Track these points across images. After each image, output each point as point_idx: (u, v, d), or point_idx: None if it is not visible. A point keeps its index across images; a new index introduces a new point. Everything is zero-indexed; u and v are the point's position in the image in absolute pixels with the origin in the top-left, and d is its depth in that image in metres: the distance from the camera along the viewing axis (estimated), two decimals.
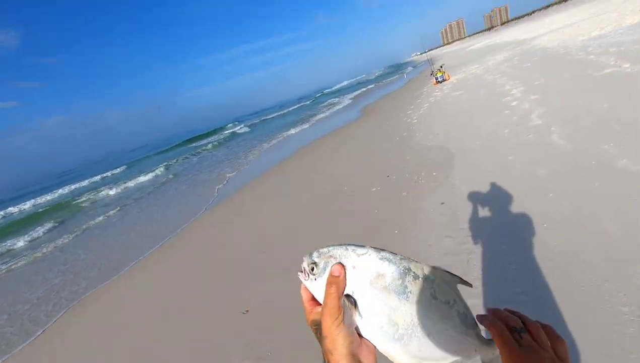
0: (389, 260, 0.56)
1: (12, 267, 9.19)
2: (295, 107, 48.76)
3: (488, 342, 0.58)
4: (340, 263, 0.57)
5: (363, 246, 0.58)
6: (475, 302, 2.64)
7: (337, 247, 0.60)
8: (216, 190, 10.14)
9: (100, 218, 11.84)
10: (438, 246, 3.54)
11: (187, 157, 23.65)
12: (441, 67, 17.22)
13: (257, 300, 3.79)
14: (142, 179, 19.26)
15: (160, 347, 3.64)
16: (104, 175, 31.90)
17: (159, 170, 20.49)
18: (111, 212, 12.25)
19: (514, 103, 7.76)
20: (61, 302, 5.73)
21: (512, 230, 3.37)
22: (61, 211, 16.88)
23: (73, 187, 29.11)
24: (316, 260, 0.60)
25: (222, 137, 32.97)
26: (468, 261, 3.15)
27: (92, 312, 5.03)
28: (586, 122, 5.23)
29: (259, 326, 3.39)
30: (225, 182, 10.98)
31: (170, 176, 16.73)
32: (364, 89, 36.13)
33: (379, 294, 0.55)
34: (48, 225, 13.31)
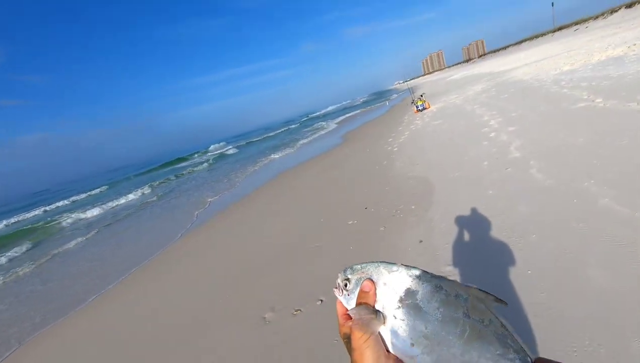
0: (420, 278, 0.56)
1: None
2: (281, 130, 48.79)
3: None
4: (370, 279, 0.59)
5: (394, 263, 0.59)
6: None
7: (370, 264, 0.62)
8: (195, 215, 9.65)
9: (72, 243, 11.07)
10: None
11: (170, 178, 22.92)
12: (422, 95, 17.47)
13: (217, 355, 3.32)
14: (122, 200, 18.47)
15: None
16: (82, 195, 30.65)
17: (141, 192, 19.72)
18: (81, 238, 11.50)
19: (492, 134, 7.70)
20: (9, 342, 5.07)
21: (494, 278, 3.06)
22: (32, 234, 15.86)
23: (48, 207, 27.78)
24: (349, 276, 0.62)
25: (206, 159, 32.44)
26: None
27: (39, 356, 4.41)
28: (564, 156, 5.10)
29: None
30: (207, 206, 10.53)
31: (153, 198, 16.05)
32: (349, 114, 36.52)
33: (409, 311, 0.55)
34: (14, 250, 12.37)
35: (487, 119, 9.43)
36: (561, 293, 2.63)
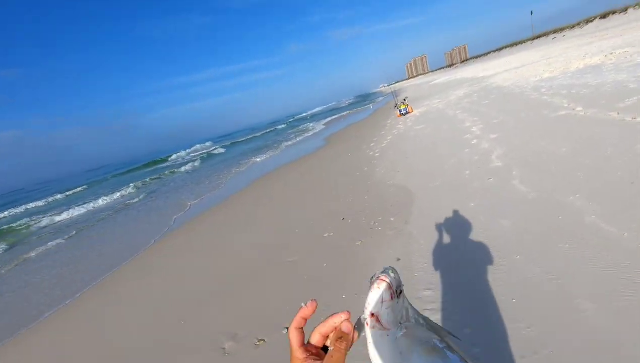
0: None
1: None
2: (267, 130, 48.08)
3: None
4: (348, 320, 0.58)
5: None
6: None
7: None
8: (173, 219, 9.13)
9: (32, 253, 10.33)
10: None
11: (152, 179, 21.97)
12: (405, 99, 17.31)
13: None
14: (100, 202, 17.56)
15: None
16: (59, 196, 29.30)
17: (119, 194, 18.82)
18: (51, 243, 10.74)
19: (474, 141, 7.48)
20: None
21: (477, 307, 2.75)
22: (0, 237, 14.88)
23: (18, 209, 26.43)
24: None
25: (189, 160, 31.60)
26: None
27: None
28: (547, 166, 4.88)
29: None
30: (187, 208, 10.02)
31: (133, 200, 15.30)
32: (334, 116, 36.27)
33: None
34: None
35: (469, 124, 9.24)
36: (548, 330, 2.33)
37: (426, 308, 2.87)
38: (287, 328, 3.25)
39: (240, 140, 42.51)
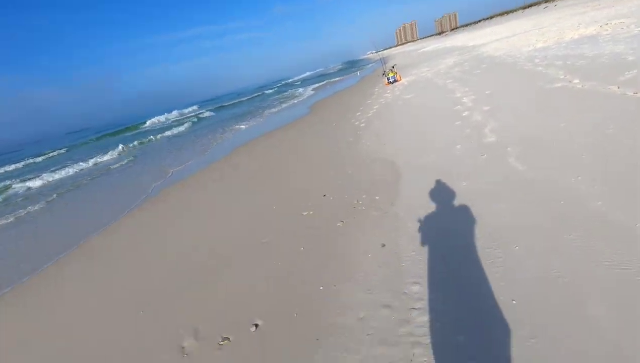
0: None
1: None
2: (255, 95, 46.09)
3: None
4: None
5: None
6: None
7: None
8: (151, 188, 8.51)
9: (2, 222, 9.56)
10: (370, 323, 2.47)
11: (135, 144, 20.63)
12: (393, 67, 16.49)
13: None
14: (82, 166, 16.31)
15: None
16: (37, 159, 27.64)
17: (99, 159, 17.57)
18: (20, 212, 9.95)
19: (466, 113, 7.00)
20: None
21: (472, 308, 2.37)
22: None
23: None
24: None
25: (171, 125, 30.19)
26: (411, 360, 2.10)
27: None
28: (546, 144, 4.47)
29: None
30: (169, 175, 9.39)
31: (115, 165, 14.32)
32: (321, 83, 34.93)
33: None
34: None
35: (459, 95, 8.71)
36: (555, 343, 1.97)
37: (414, 307, 2.49)
38: (257, 325, 2.86)
39: (226, 104, 40.70)
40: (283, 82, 70.53)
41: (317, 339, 2.46)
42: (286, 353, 2.43)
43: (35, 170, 20.45)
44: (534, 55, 11.05)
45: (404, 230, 3.52)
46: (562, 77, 7.43)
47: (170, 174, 9.64)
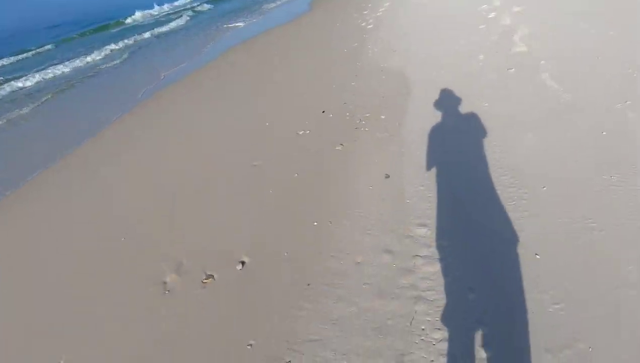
0: None
1: None
2: None
3: None
4: None
5: None
6: None
7: None
8: (140, 93, 7.68)
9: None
10: (369, 270, 2.16)
11: (137, 40, 18.06)
12: None
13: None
14: (69, 66, 14.58)
15: None
16: (25, 55, 25.27)
17: (90, 58, 15.58)
18: (8, 115, 9.24)
19: (492, 15, 5.89)
20: None
21: (486, 261, 2.03)
22: None
23: None
24: None
25: (162, 20, 26.97)
26: (413, 318, 1.83)
27: None
28: (589, 59, 3.70)
29: None
30: (162, 78, 8.47)
31: (105, 65, 12.84)
32: None
33: None
34: None
35: None
36: (584, 313, 1.66)
37: (419, 254, 2.16)
38: (244, 262, 2.58)
39: None
40: None
41: (308, 284, 2.19)
42: (274, 298, 2.18)
43: (24, 68, 18.78)
44: None
45: (412, 159, 3.03)
46: None
47: (162, 77, 8.68)
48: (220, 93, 6.15)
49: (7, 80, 15.06)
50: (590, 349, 1.51)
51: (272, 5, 18.16)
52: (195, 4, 34.26)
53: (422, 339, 1.73)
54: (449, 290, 1.92)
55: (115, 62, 13.32)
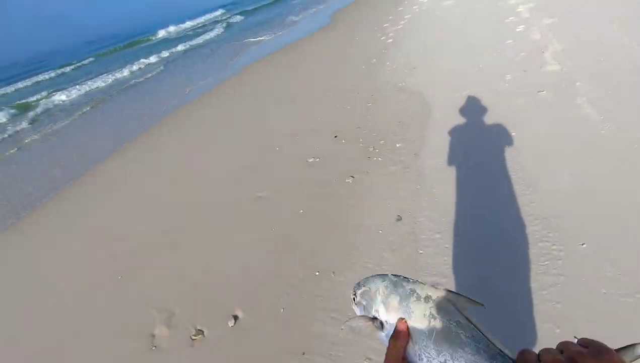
0: (400, 285, 0.57)
1: None
2: None
3: None
4: (403, 319, 0.55)
5: (385, 274, 0.61)
6: None
7: (369, 278, 0.63)
8: (162, 110, 7.72)
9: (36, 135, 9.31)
10: (371, 343, 1.85)
11: (173, 51, 18.46)
12: None
13: None
14: (99, 82, 15.15)
15: None
16: (66, 69, 26.52)
17: (128, 70, 16.05)
18: (52, 126, 9.59)
19: (521, 28, 5.42)
20: None
21: (508, 337, 1.67)
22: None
23: (27, 83, 24.36)
24: (357, 291, 0.64)
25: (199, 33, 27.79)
26: None
27: None
28: (636, 81, 3.22)
29: None
30: (187, 92, 8.55)
31: (140, 79, 13.23)
32: None
33: (393, 315, 0.56)
34: None
35: (513, 3, 6.81)
36: None
37: None
38: (236, 317, 2.33)
39: (248, 9, 36.32)
40: None
41: (303, 353, 1.90)
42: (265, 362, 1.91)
43: (64, 82, 19.65)
44: None
45: (428, 199, 2.69)
46: None
47: (187, 92, 8.72)
48: (234, 112, 6.02)
49: (49, 95, 15.76)
50: None
51: (296, 17, 18.20)
52: (227, 16, 34.85)
53: None
54: None
55: (147, 75, 13.66)
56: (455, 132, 3.40)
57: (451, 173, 2.88)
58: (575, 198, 2.28)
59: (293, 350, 1.93)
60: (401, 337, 0.53)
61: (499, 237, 2.21)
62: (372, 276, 0.62)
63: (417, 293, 0.55)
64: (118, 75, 15.75)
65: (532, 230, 2.16)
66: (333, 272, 2.33)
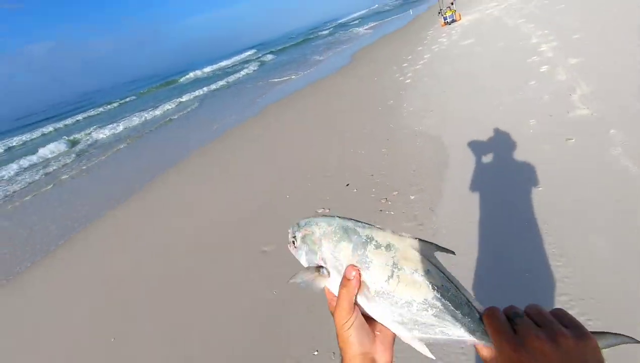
0: (353, 230, 0.52)
1: None
2: (307, 37, 42.58)
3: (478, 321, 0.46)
4: (354, 265, 0.51)
5: (332, 217, 0.55)
6: None
7: (311, 219, 0.58)
8: (187, 149, 7.90)
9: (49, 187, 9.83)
10: None
11: (196, 93, 19.42)
12: (452, 4, 13.55)
13: None
14: (137, 120, 16.06)
15: None
16: (108, 107, 28.58)
17: (160, 110, 16.97)
18: (93, 160, 10.07)
19: (545, 68, 5.14)
20: None
21: None
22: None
23: (72, 120, 26.32)
24: (296, 234, 0.59)
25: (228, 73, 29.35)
26: None
27: None
28: None
29: None
30: (214, 129, 8.80)
31: (174, 116, 13.85)
32: (372, 24, 31.25)
33: (344, 263, 0.52)
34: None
35: (536, 41, 6.58)
36: None
37: None
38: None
39: (275, 49, 38.12)
40: (335, 23, 64.43)
41: None
42: None
43: (104, 119, 21.00)
44: None
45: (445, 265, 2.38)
46: None
47: (214, 128, 8.94)
48: (250, 153, 5.99)
49: (90, 132, 16.72)
50: None
51: (319, 57, 18.82)
52: (260, 55, 36.75)
53: None
54: None
55: (181, 113, 14.36)
56: (475, 185, 3.11)
57: (470, 236, 2.56)
58: (614, 274, 1.91)
59: None
60: (352, 285, 0.50)
61: None
62: (316, 218, 0.57)
63: (376, 241, 0.50)
64: (156, 112, 16.70)
65: (566, 308, 1.80)
66: (333, 353, 2.04)
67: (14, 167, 12.16)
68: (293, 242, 0.59)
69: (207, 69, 37.07)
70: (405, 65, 8.69)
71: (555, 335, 0.37)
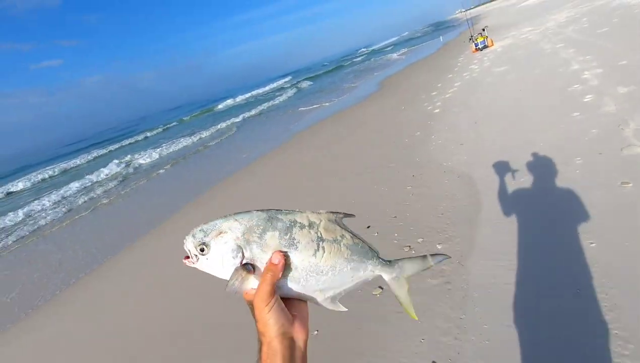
0: (275, 219, 0.54)
1: None
2: (340, 64, 43.38)
3: (387, 263, 0.60)
4: (280, 251, 0.53)
5: (248, 211, 0.55)
6: None
7: (221, 220, 0.55)
8: (214, 179, 7.96)
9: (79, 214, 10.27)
10: None
11: (226, 125, 19.92)
12: (483, 30, 13.15)
13: None
14: (176, 146, 16.64)
15: None
16: (154, 132, 30.10)
17: (204, 134, 17.58)
18: (132, 185, 10.50)
19: (588, 98, 4.64)
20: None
21: None
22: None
23: (122, 144, 27.94)
24: (205, 240, 0.55)
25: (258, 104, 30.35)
26: None
27: None
28: None
29: None
30: (244, 157, 8.88)
31: (199, 147, 14.25)
32: (402, 51, 31.29)
33: (269, 253, 0.53)
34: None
35: (577, 68, 6.05)
36: None
37: None
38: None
39: (309, 76, 38.99)
40: (369, 49, 65.39)
41: None
42: None
43: (145, 146, 22.08)
44: None
45: (476, 338, 1.99)
46: None
47: (244, 156, 9.01)
48: (271, 184, 5.86)
49: (133, 158, 17.43)
50: None
51: (349, 85, 18.97)
52: (297, 80, 37.85)
53: None
54: None
55: (217, 140, 14.77)
56: (512, 236, 2.69)
57: (507, 301, 2.16)
58: None
59: None
60: (277, 269, 0.52)
61: None
62: (226, 218, 0.55)
63: (300, 223, 0.54)
64: (193, 139, 17.37)
65: None
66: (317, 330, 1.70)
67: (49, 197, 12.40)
68: (202, 250, 0.55)
69: (242, 96, 38.58)
70: (434, 93, 8.37)
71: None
